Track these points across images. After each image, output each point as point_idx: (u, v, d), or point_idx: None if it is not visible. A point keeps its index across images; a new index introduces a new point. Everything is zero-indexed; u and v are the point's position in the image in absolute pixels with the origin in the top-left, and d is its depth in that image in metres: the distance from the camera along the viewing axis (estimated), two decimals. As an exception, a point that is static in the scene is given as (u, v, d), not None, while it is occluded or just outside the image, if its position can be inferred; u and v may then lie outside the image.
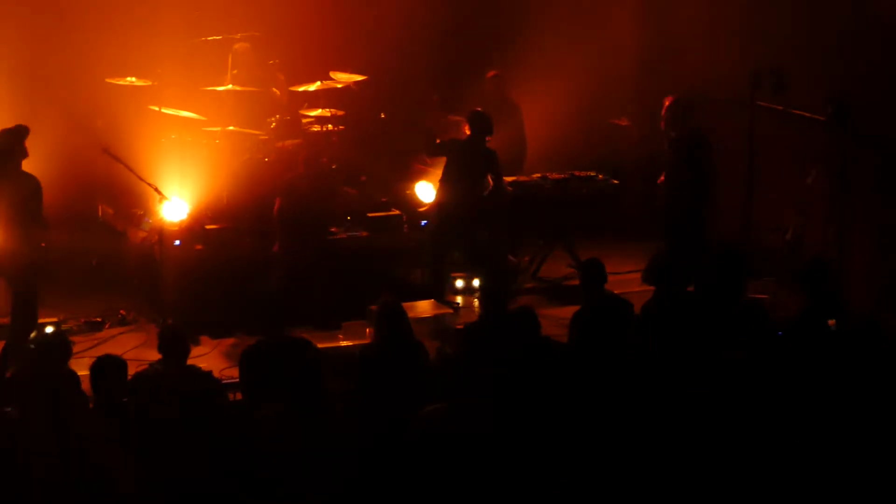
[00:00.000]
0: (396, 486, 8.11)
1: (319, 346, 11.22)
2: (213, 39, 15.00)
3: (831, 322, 9.93)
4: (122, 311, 13.07)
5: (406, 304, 10.50)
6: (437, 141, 13.50)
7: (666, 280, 10.52)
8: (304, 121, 14.61)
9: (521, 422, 8.37)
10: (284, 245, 12.77)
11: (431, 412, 8.32)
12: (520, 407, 8.56)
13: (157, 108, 13.90)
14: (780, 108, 14.00)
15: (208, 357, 11.75)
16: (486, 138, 13.17)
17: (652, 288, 10.70)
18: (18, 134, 11.24)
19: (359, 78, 14.91)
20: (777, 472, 8.10)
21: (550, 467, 8.04)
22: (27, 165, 11.39)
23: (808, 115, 13.79)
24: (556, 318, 11.97)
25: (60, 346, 9.22)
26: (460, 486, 7.93)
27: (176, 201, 12.54)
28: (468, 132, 13.18)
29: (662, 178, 13.37)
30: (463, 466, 7.97)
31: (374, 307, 10.12)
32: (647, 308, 10.44)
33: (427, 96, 16.17)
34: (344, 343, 12.14)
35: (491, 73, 15.06)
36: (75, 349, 11.29)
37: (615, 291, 10.92)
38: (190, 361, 9.35)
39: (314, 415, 8.29)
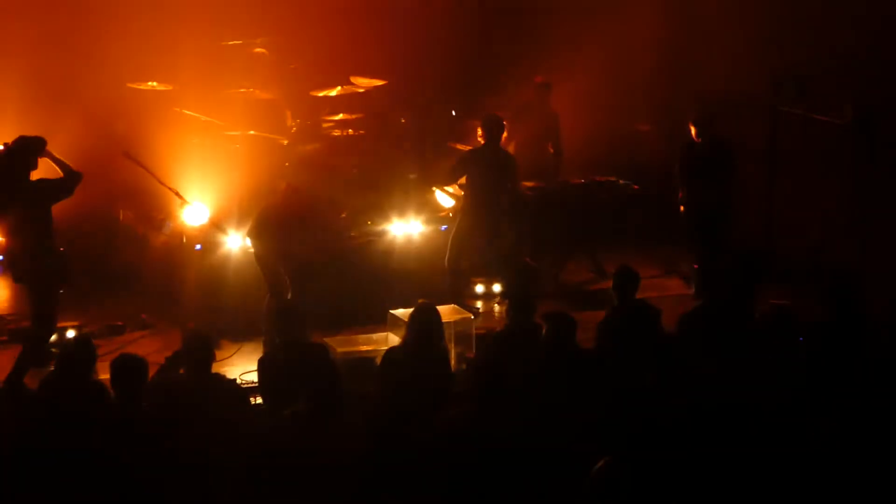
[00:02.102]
0: (416, 488, 8.10)
1: (339, 350, 11.27)
2: (234, 44, 15.07)
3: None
4: (143, 315, 13.08)
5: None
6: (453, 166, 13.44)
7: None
8: (324, 125, 14.65)
9: (542, 427, 8.38)
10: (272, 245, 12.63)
11: (454, 415, 8.34)
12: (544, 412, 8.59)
13: (181, 111, 13.97)
14: (801, 112, 13.98)
15: (229, 361, 11.76)
16: (501, 141, 13.13)
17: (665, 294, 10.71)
18: (33, 146, 11.22)
19: (379, 83, 14.93)
20: (803, 475, 8.08)
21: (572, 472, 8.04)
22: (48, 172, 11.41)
23: (829, 119, 13.77)
24: (578, 323, 11.94)
25: (86, 354, 9.22)
26: (480, 488, 7.93)
27: (196, 205, 12.55)
28: (482, 138, 13.12)
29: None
30: (484, 469, 7.98)
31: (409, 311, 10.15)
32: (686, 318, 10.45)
33: (445, 110, 16.17)
34: (364, 348, 12.12)
35: (539, 79, 14.98)
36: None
37: (636, 296, 10.87)
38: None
39: (333, 418, 8.30)
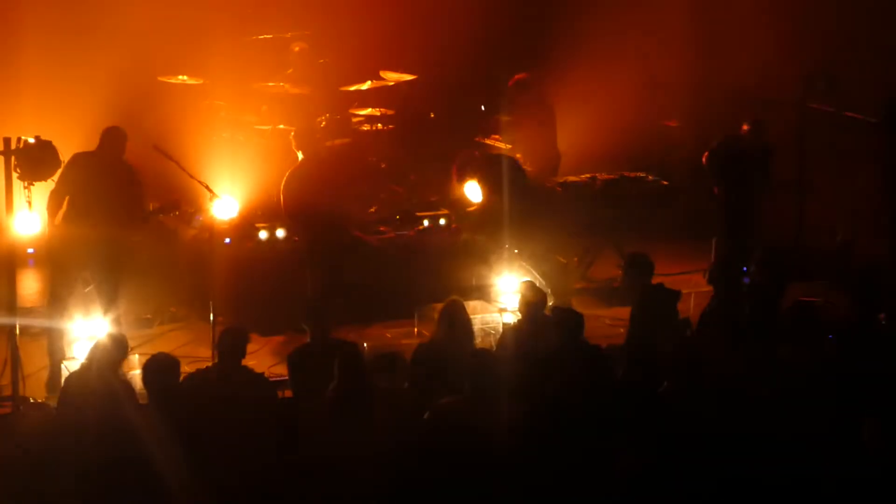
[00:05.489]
0: (421, 479, 8.14)
1: (367, 344, 11.30)
2: (265, 38, 15.09)
3: (881, 316, 9.86)
4: (172, 309, 13.14)
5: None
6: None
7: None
8: (354, 120, 14.66)
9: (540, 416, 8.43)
10: (302, 238, 12.75)
11: (446, 404, 8.40)
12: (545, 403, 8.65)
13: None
14: (832, 109, 13.92)
15: (257, 354, 11.78)
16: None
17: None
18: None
19: (409, 77, 14.93)
20: (826, 474, 8.06)
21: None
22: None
23: (860, 117, 13.71)
24: (606, 318, 11.95)
25: (118, 350, 9.30)
26: (473, 477, 7.97)
27: (226, 199, 12.58)
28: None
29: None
30: (475, 458, 8.02)
31: (437, 306, 10.20)
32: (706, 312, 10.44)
33: (475, 100, 16.15)
34: (392, 342, 12.17)
35: (513, 80, 14.90)
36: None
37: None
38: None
39: (359, 413, 8.35)
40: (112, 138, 11.57)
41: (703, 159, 13.25)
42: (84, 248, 11.37)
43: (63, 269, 11.59)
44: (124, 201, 11.53)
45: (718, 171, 13.13)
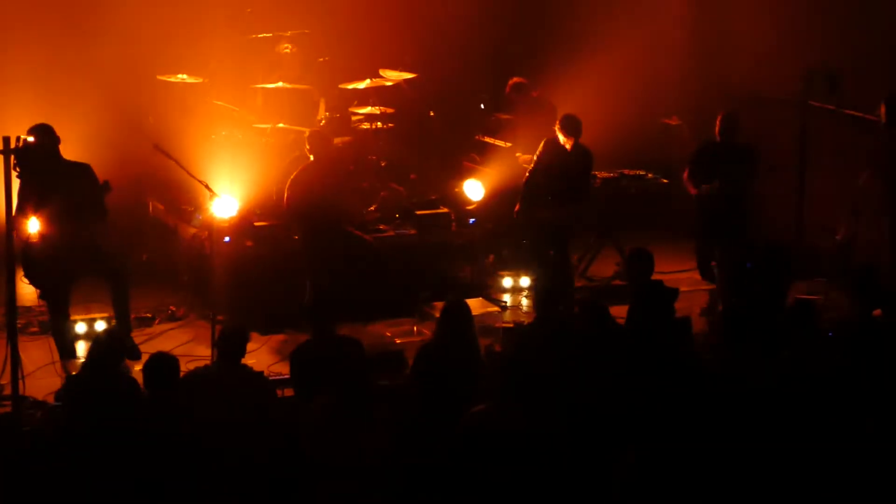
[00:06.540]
0: (442, 485, 8.11)
1: (368, 343, 11.28)
2: (264, 37, 15.09)
3: (877, 313, 9.87)
4: (171, 307, 13.13)
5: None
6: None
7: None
8: (354, 118, 14.65)
9: (563, 422, 8.39)
10: (302, 237, 12.78)
11: (477, 414, 8.34)
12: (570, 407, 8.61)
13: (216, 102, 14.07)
14: (833, 108, 13.91)
15: (257, 353, 11.76)
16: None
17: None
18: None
19: (409, 76, 14.93)
20: (825, 472, 8.07)
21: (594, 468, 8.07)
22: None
23: (861, 115, 13.70)
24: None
25: (114, 349, 9.33)
26: (503, 487, 7.93)
27: (226, 198, 12.57)
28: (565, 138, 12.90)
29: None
30: (506, 468, 7.97)
31: (438, 304, 10.19)
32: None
33: (474, 98, 16.15)
34: (392, 340, 12.16)
35: (510, 83, 14.85)
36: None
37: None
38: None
39: (361, 411, 8.34)
40: (42, 135, 11.22)
41: (684, 176, 13.26)
42: (71, 258, 11.40)
43: (53, 282, 11.59)
44: (81, 199, 11.42)
45: (700, 182, 13.17)
